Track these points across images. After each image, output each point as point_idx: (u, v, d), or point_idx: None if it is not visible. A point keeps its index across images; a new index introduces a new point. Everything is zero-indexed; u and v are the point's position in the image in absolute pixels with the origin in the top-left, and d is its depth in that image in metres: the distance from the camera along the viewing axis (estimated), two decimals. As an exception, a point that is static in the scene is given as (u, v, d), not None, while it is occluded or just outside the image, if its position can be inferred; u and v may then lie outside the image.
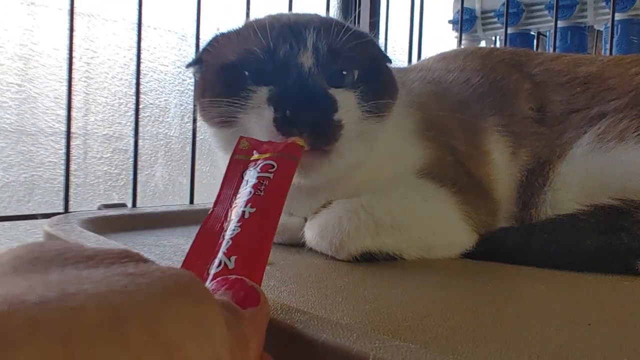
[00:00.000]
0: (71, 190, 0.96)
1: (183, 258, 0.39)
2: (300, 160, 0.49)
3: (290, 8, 1.23)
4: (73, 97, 0.95)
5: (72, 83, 0.94)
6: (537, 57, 0.87)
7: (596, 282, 0.56)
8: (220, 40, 0.69)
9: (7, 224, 1.01)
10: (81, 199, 1.10)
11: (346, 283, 0.53)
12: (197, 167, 1.08)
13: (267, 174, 0.43)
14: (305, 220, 0.67)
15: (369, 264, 0.61)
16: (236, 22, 0.70)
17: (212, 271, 0.37)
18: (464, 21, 1.62)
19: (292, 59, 0.61)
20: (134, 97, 1.02)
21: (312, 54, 0.62)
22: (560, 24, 1.50)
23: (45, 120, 1.06)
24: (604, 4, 1.46)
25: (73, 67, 0.94)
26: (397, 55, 1.56)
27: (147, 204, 1.15)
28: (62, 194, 0.94)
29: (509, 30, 1.57)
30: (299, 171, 0.51)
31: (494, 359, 0.34)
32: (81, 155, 1.12)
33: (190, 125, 1.16)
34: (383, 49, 0.82)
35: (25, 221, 1.01)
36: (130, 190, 1.01)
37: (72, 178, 0.97)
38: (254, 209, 0.40)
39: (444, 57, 0.92)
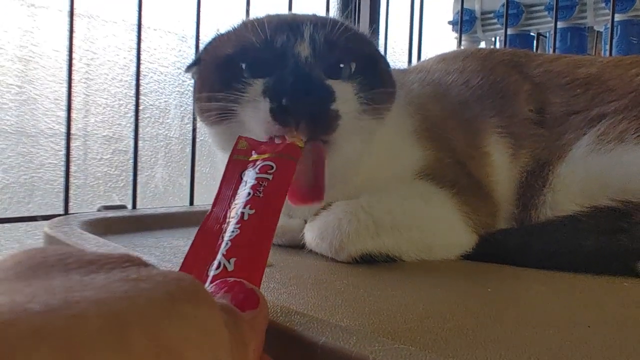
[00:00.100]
0: (71, 192, 0.96)
1: (182, 260, 0.39)
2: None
3: (290, 8, 1.23)
4: (73, 98, 0.95)
5: (72, 84, 0.94)
6: (537, 58, 0.87)
7: (596, 284, 0.56)
8: (217, 39, 0.69)
9: (7, 225, 1.02)
10: (81, 201, 1.10)
11: (346, 285, 0.53)
12: (197, 168, 1.08)
13: (266, 175, 0.43)
14: (305, 222, 0.67)
15: (369, 266, 0.61)
16: (236, 22, 0.71)
17: (211, 273, 0.37)
18: (464, 22, 1.63)
19: (288, 49, 0.61)
20: (134, 99, 1.02)
21: (309, 44, 0.61)
22: (560, 24, 1.50)
23: (45, 121, 1.06)
24: (603, 4, 1.46)
25: (73, 68, 0.95)
26: (397, 56, 1.57)
27: (147, 205, 1.15)
28: (62, 196, 0.94)
29: (509, 31, 1.58)
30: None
31: (493, 361, 0.34)
32: (81, 157, 1.12)
33: (190, 127, 1.16)
34: (383, 49, 0.82)
35: (25, 223, 1.01)
36: (130, 192, 1.01)
37: (72, 179, 0.97)
38: (253, 211, 0.40)
39: (443, 58, 0.92)
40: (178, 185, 1.26)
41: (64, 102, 0.94)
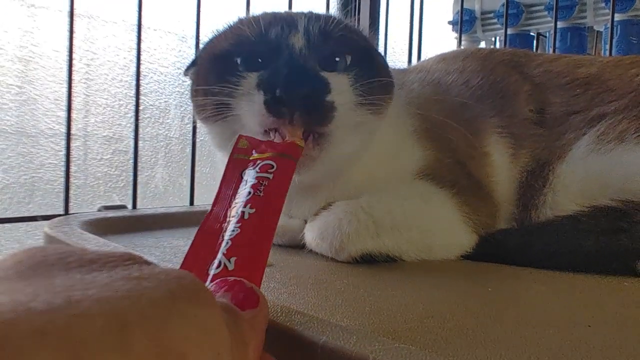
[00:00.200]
0: (71, 192, 0.96)
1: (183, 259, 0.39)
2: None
3: (290, 8, 1.23)
4: (73, 98, 0.95)
5: (72, 85, 0.94)
6: (537, 58, 0.87)
7: (596, 283, 0.56)
8: (214, 38, 0.69)
9: (7, 225, 1.02)
10: (81, 201, 1.10)
11: (346, 285, 0.53)
12: (197, 168, 1.08)
13: (266, 174, 0.43)
14: (305, 222, 0.67)
15: (369, 266, 0.61)
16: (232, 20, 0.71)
17: (212, 272, 0.37)
18: (464, 22, 1.63)
19: (283, 41, 0.61)
20: (134, 99, 1.02)
21: (303, 35, 0.61)
22: (559, 24, 1.50)
23: (46, 121, 1.06)
24: (603, 4, 1.46)
25: (73, 68, 0.95)
26: (397, 56, 1.57)
27: (147, 205, 1.15)
28: (62, 196, 0.94)
29: (509, 31, 1.58)
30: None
31: (493, 361, 0.34)
32: (81, 157, 1.12)
33: (190, 127, 1.16)
34: (383, 49, 0.82)
35: (26, 223, 1.01)
36: (130, 192, 1.01)
37: (72, 180, 0.97)
38: (254, 210, 0.40)
39: (443, 58, 0.92)
40: (178, 185, 1.26)
41: (64, 103, 0.94)
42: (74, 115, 0.97)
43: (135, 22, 1.01)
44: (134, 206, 1.01)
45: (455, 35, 1.70)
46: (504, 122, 0.79)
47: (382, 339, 0.34)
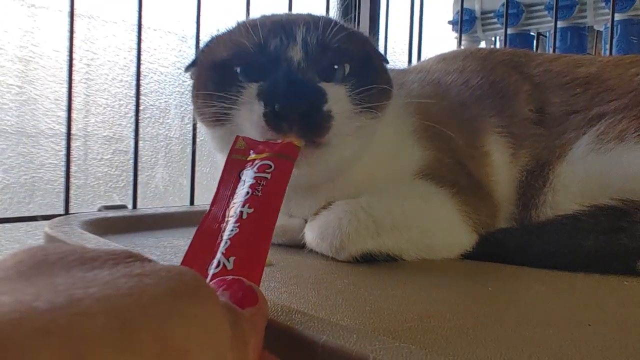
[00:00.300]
0: (71, 192, 0.96)
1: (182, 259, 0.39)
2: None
3: (290, 8, 1.23)
4: (73, 98, 0.95)
5: (73, 85, 0.94)
6: (537, 58, 0.87)
7: (596, 283, 0.56)
8: (214, 41, 0.69)
9: (7, 225, 1.02)
10: (81, 201, 1.10)
11: (346, 284, 0.53)
12: (197, 168, 1.09)
13: (264, 174, 0.43)
14: (305, 221, 0.67)
15: (369, 265, 0.61)
16: (232, 24, 0.71)
17: (211, 272, 0.37)
18: (464, 22, 1.63)
19: (281, 53, 0.61)
20: (134, 99, 1.02)
21: (301, 48, 0.61)
22: (560, 24, 1.50)
23: (46, 121, 1.06)
24: (603, 4, 1.46)
25: (73, 68, 0.95)
26: (397, 56, 1.57)
27: (148, 205, 1.15)
28: (62, 196, 0.94)
29: (509, 31, 1.58)
30: (294, 167, 0.51)
31: (493, 360, 0.34)
32: (81, 157, 1.12)
33: (190, 127, 1.16)
34: (383, 49, 0.82)
35: (26, 223, 1.01)
36: (130, 192, 1.01)
37: (72, 179, 0.97)
38: (252, 210, 0.40)
39: (443, 58, 0.92)
40: (178, 185, 1.26)
41: (65, 103, 0.94)
42: (74, 115, 0.97)
43: (136, 22, 1.01)
44: (134, 206, 1.01)
45: (455, 35, 1.70)
46: (504, 122, 0.79)
47: (382, 338, 0.34)
